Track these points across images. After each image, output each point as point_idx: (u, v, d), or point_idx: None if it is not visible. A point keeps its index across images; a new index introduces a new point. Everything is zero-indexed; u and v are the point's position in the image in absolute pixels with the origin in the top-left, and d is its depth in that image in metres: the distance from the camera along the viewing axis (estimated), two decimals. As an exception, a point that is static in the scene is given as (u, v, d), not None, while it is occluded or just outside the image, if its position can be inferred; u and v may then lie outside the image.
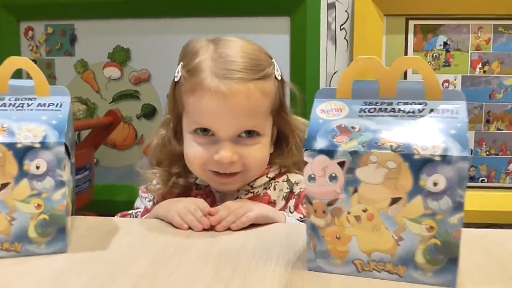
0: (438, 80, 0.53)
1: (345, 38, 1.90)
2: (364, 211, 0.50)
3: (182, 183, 0.85)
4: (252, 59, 0.77)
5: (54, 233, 0.58)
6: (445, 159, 0.47)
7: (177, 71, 0.81)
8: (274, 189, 0.85)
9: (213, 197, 0.83)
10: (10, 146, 0.55)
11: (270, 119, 0.81)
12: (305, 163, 0.51)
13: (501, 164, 1.87)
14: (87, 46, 2.02)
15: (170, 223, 0.71)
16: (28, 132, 0.57)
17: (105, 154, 2.06)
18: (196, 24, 1.89)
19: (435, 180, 0.47)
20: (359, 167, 0.49)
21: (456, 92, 0.53)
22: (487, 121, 1.85)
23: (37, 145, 0.56)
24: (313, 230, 0.52)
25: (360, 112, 0.54)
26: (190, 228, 0.69)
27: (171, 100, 0.84)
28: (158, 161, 0.86)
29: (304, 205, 0.83)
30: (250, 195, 0.83)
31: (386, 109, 0.53)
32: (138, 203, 0.91)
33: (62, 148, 0.57)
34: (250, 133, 0.78)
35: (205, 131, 0.77)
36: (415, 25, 1.84)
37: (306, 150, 0.51)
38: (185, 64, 0.80)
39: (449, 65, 1.85)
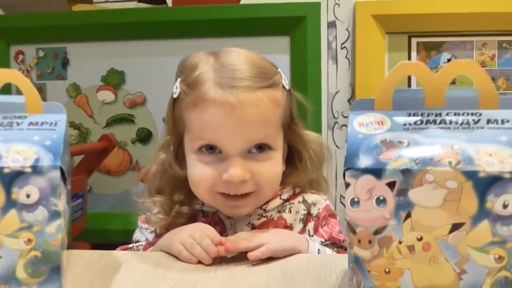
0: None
1: (346, 57, 1.85)
2: (419, 239, 0.42)
3: (186, 211, 0.76)
4: (257, 67, 0.71)
5: (47, 273, 0.49)
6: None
7: (175, 87, 0.73)
8: (290, 211, 0.76)
9: (222, 225, 0.75)
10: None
11: (281, 132, 0.74)
12: (347, 184, 0.43)
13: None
14: (80, 70, 1.95)
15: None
16: (18, 154, 0.48)
17: (99, 181, 1.97)
18: (193, 45, 1.82)
19: (505, 201, 0.40)
20: (413, 187, 0.42)
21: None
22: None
23: (28, 170, 0.47)
24: (357, 263, 0.44)
25: (405, 125, 0.46)
26: (199, 262, 0.61)
27: (170, 119, 0.76)
28: (158, 189, 0.77)
29: (324, 228, 0.75)
30: (263, 219, 0.75)
31: (435, 120, 0.46)
32: (137, 235, 0.82)
33: (58, 173, 0.48)
34: (261, 148, 0.70)
35: (211, 149, 0.69)
36: (418, 43, 1.80)
37: (348, 169, 0.43)
38: (183, 78, 0.72)
39: (454, 83, 1.79)
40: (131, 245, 0.79)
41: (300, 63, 1.84)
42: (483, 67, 1.78)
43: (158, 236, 0.76)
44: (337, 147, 1.84)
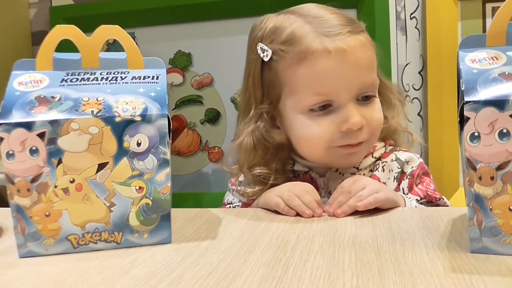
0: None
1: (416, 27, 1.79)
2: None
3: (281, 180, 0.72)
4: (342, 15, 0.71)
5: (158, 221, 0.51)
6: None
7: (261, 50, 0.71)
8: (383, 170, 0.74)
9: (315, 184, 0.73)
10: (108, 120, 0.48)
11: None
12: (466, 119, 0.41)
13: None
14: (148, 53, 1.97)
15: (275, 211, 0.63)
16: (126, 104, 0.49)
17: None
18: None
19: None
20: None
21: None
22: None
23: (138, 118, 0.49)
24: (478, 201, 0.42)
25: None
26: (297, 214, 0.61)
27: (258, 87, 0.73)
28: (254, 161, 0.74)
29: (419, 186, 0.72)
30: None
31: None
32: (229, 197, 0.82)
33: (165, 121, 0.49)
34: (367, 97, 0.70)
35: (323, 106, 0.68)
36: (493, 8, 1.71)
37: (466, 103, 0.41)
38: (272, 40, 0.71)
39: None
40: (227, 206, 0.79)
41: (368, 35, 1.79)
42: None
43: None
44: (409, 121, 1.79)
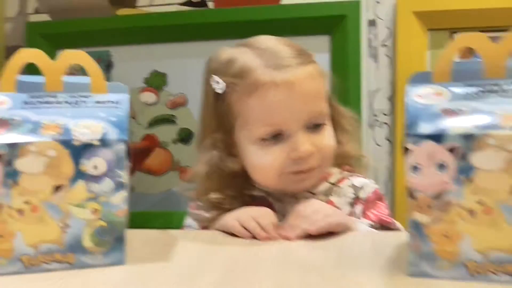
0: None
1: (386, 55, 1.84)
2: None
3: (238, 205, 0.74)
4: (293, 46, 0.74)
5: (112, 243, 0.52)
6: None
7: (215, 83, 0.74)
8: (338, 195, 0.77)
9: (272, 208, 0.74)
10: (66, 143, 0.49)
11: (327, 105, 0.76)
12: (407, 150, 0.44)
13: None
14: (123, 72, 1.99)
15: (232, 234, 0.64)
16: (85, 128, 0.51)
17: (141, 180, 2.01)
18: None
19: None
20: (474, 152, 0.42)
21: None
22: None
23: (96, 143, 0.50)
24: (416, 228, 0.45)
25: (464, 95, 0.47)
26: (253, 237, 0.62)
27: (213, 116, 0.76)
28: (209, 189, 0.77)
29: (373, 211, 0.75)
30: None
31: (495, 90, 0.46)
32: (189, 221, 0.83)
33: (123, 146, 0.51)
34: (317, 125, 0.72)
35: (274, 136, 0.70)
36: (460, 39, 1.77)
37: (408, 135, 0.44)
38: (224, 72, 0.73)
39: None
40: (187, 231, 0.81)
41: (340, 62, 1.83)
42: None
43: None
44: (378, 145, 1.83)
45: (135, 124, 2.03)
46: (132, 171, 1.89)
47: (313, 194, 0.76)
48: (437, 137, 0.43)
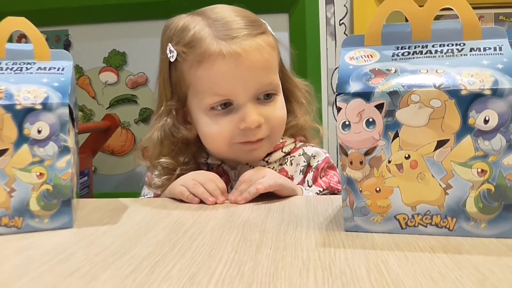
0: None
1: (344, 33, 1.87)
2: (407, 158, 0.45)
3: (189, 172, 0.77)
4: (247, 17, 0.74)
5: (59, 206, 0.52)
6: (496, 92, 0.42)
7: (168, 51, 0.75)
8: (291, 164, 0.79)
9: (226, 176, 0.78)
10: (8, 107, 0.50)
11: (278, 76, 0.77)
12: (338, 109, 0.46)
13: None
14: (82, 52, 1.97)
15: (181, 200, 0.66)
16: (28, 93, 0.51)
17: (103, 161, 2.00)
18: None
19: (486, 116, 0.43)
20: (400, 108, 0.44)
21: (497, 29, 0.48)
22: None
23: (38, 107, 0.50)
24: (349, 184, 0.47)
25: (393, 56, 0.49)
26: (201, 202, 0.64)
27: (167, 85, 0.78)
28: (161, 154, 0.79)
29: (323, 179, 0.78)
30: None
31: (421, 51, 0.49)
32: (145, 190, 0.85)
33: (66, 110, 0.51)
34: (268, 95, 0.74)
35: (225, 105, 0.72)
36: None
37: (338, 94, 0.46)
38: (177, 41, 0.74)
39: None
40: (139, 198, 0.82)
41: (299, 40, 1.86)
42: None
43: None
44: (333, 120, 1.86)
45: (96, 105, 2.02)
46: (94, 152, 1.88)
47: (268, 162, 0.78)
48: (366, 95, 0.45)
